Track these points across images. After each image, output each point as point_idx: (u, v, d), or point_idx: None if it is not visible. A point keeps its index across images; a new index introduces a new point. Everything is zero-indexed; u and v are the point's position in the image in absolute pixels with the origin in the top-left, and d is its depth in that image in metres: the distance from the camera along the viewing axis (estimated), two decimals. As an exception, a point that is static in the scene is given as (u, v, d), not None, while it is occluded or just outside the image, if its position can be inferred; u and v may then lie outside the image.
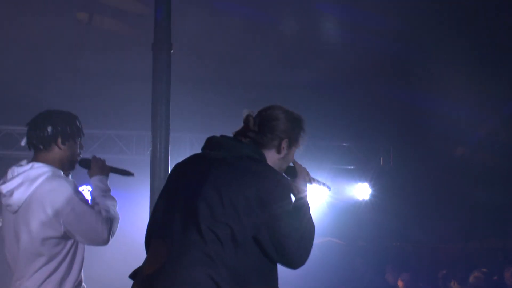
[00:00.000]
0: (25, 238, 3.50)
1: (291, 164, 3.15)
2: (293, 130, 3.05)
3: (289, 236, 2.77)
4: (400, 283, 9.39)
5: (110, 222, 3.60)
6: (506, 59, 9.31)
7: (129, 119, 9.86)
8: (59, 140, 3.72)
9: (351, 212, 11.75)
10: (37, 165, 3.61)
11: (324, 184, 3.36)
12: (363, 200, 11.87)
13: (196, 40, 8.71)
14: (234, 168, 2.85)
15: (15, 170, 3.59)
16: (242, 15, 8.53)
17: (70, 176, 3.84)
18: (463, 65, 9.16)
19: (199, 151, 3.24)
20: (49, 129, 3.79)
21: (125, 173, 3.80)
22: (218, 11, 8.46)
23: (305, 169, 3.16)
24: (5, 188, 3.52)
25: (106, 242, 3.70)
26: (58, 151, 3.73)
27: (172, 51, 5.71)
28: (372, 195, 11.80)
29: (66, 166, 3.77)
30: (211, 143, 3.06)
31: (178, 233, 2.78)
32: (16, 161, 3.82)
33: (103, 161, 3.92)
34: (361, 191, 11.82)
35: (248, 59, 8.85)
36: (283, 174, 3.08)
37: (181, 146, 10.47)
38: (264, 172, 2.85)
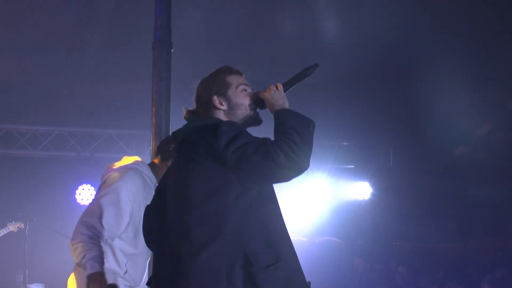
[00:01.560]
0: None
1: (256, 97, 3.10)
2: (214, 82, 3.09)
3: (253, 156, 2.71)
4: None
5: (76, 249, 3.79)
6: (506, 59, 9.31)
7: (129, 119, 9.87)
8: None
9: (351, 212, 11.76)
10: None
11: (302, 75, 3.20)
12: (363, 199, 11.88)
13: (196, 39, 8.71)
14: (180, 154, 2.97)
15: None
16: (242, 14, 8.54)
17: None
18: (463, 65, 9.17)
19: None
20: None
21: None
22: (218, 11, 8.46)
23: (270, 87, 3.08)
24: None
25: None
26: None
27: (172, 50, 5.72)
28: (372, 195, 11.82)
29: None
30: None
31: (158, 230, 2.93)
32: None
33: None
34: (361, 190, 11.83)
35: (248, 59, 8.86)
36: (256, 115, 3.07)
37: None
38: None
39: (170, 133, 5.78)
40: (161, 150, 4.09)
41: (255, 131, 3.01)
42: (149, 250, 4.00)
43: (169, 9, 5.73)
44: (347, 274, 10.18)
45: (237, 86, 3.08)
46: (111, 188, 3.81)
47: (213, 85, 3.08)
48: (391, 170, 11.77)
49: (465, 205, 11.86)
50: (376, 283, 9.95)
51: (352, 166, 11.62)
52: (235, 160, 2.71)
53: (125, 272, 3.86)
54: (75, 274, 3.96)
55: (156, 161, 4.13)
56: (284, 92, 3.11)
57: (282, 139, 2.74)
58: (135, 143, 10.51)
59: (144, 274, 4.07)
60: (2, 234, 8.72)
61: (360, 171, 11.74)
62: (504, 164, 10.99)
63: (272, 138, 2.83)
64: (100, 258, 3.63)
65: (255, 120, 3.08)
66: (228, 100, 3.04)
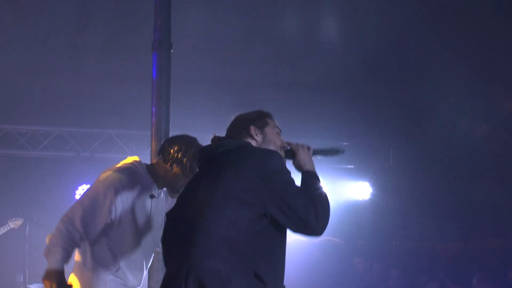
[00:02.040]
0: None
1: (288, 148, 3.25)
2: (255, 117, 3.23)
3: (296, 197, 2.89)
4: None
5: (51, 240, 3.74)
6: (506, 59, 9.31)
7: (129, 119, 9.87)
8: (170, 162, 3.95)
9: (351, 212, 11.75)
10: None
11: (332, 152, 3.43)
12: (363, 199, 11.88)
13: (196, 39, 8.71)
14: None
15: None
16: (242, 14, 8.53)
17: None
18: (463, 65, 9.17)
19: None
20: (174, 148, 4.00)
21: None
22: (218, 11, 8.46)
23: (303, 145, 3.25)
24: None
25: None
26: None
27: (172, 51, 5.72)
28: (372, 194, 11.81)
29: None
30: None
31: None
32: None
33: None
34: (361, 190, 11.82)
35: (249, 59, 8.86)
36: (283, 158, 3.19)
37: (181, 146, 10.46)
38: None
39: (170, 134, 5.79)
40: (161, 150, 4.08)
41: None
42: (147, 250, 4.01)
43: (169, 9, 5.73)
44: (347, 274, 10.17)
45: (273, 127, 3.25)
46: (93, 186, 3.85)
47: (253, 118, 3.23)
48: (391, 170, 11.76)
49: (465, 205, 11.85)
50: (376, 283, 9.94)
51: (352, 166, 11.62)
52: (278, 186, 2.88)
53: (117, 270, 3.86)
54: (75, 274, 3.96)
55: (155, 161, 4.12)
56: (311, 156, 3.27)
57: (314, 203, 2.95)
58: (135, 143, 10.51)
59: (143, 275, 4.06)
60: (3, 231, 8.70)
61: (360, 171, 11.74)
62: (504, 164, 10.98)
63: None
64: (64, 253, 3.64)
65: (285, 157, 3.24)
66: (263, 134, 3.20)
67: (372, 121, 10.72)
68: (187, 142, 4.01)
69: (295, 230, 2.93)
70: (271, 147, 3.15)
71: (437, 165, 11.74)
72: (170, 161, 3.95)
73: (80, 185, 10.74)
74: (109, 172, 3.88)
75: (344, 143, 11.46)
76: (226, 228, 2.80)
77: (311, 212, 2.89)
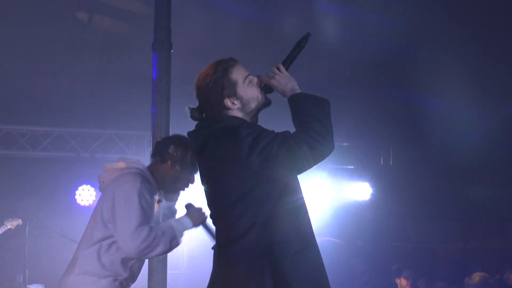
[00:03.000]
0: None
1: (262, 85, 3.16)
2: (221, 84, 3.10)
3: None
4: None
5: (152, 242, 3.64)
6: (506, 59, 9.31)
7: (129, 119, 9.86)
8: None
9: (351, 212, 11.75)
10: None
11: (299, 47, 3.37)
12: (363, 199, 11.87)
13: (196, 39, 8.71)
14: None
15: None
16: (242, 14, 8.53)
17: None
18: (463, 64, 9.17)
19: None
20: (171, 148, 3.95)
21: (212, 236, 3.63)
22: (218, 11, 8.46)
23: (272, 70, 3.20)
24: None
25: (131, 251, 3.65)
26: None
27: (172, 51, 5.72)
28: (372, 195, 11.81)
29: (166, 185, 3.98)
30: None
31: None
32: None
33: (202, 214, 4.00)
34: (361, 191, 11.82)
35: (248, 59, 8.85)
36: (266, 99, 3.15)
37: (181, 146, 10.46)
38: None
39: (170, 134, 5.79)
40: (158, 152, 4.04)
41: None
42: None
43: (169, 9, 5.73)
44: (347, 275, 10.17)
45: (242, 82, 3.12)
46: (126, 195, 3.72)
47: (221, 87, 3.10)
48: (391, 170, 11.76)
49: (465, 206, 11.85)
50: (376, 283, 9.94)
51: (352, 167, 11.62)
52: (260, 162, 2.84)
53: (126, 277, 3.81)
54: (77, 284, 3.87)
55: (151, 164, 4.05)
56: (286, 70, 3.18)
57: (303, 131, 2.86)
58: (135, 143, 10.51)
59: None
60: (1, 232, 8.68)
61: (360, 172, 11.73)
62: (504, 164, 10.98)
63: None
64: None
65: (266, 104, 3.17)
66: (239, 98, 3.10)
67: (372, 121, 10.72)
68: (182, 141, 3.98)
69: (306, 169, 2.91)
70: (253, 104, 3.10)
71: (437, 165, 11.73)
72: (170, 160, 3.92)
73: (80, 186, 10.73)
74: (128, 177, 3.79)
75: (344, 143, 11.46)
76: (246, 216, 2.90)
77: (300, 150, 2.82)
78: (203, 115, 3.16)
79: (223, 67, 3.15)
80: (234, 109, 3.08)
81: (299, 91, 3.06)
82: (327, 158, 3.20)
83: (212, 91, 3.10)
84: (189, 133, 3.21)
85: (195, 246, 10.74)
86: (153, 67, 5.70)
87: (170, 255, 5.99)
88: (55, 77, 9.34)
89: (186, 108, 3.20)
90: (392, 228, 11.86)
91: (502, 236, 11.47)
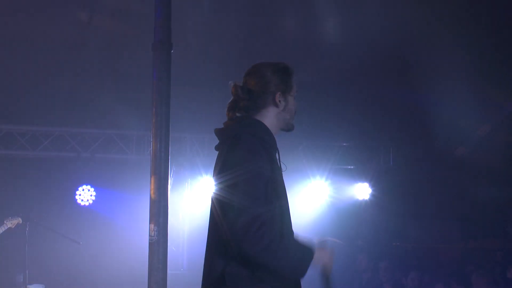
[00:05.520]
0: None
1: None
2: (283, 81, 3.11)
3: (230, 203, 2.79)
4: None
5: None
6: (507, 59, 9.31)
7: (130, 119, 9.86)
8: None
9: (351, 212, 11.75)
10: None
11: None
12: (363, 199, 11.88)
13: (197, 40, 8.71)
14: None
15: None
16: (242, 15, 8.53)
17: None
18: (463, 64, 9.17)
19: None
20: None
21: None
22: (218, 11, 8.46)
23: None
24: None
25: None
26: None
27: (172, 51, 5.73)
28: (372, 195, 11.81)
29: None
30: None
31: None
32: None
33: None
34: (361, 190, 11.82)
35: (248, 59, 8.85)
36: (291, 125, 3.17)
37: (181, 146, 10.48)
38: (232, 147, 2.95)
39: (170, 134, 5.79)
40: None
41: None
42: None
43: (169, 10, 5.74)
44: (347, 275, 10.17)
45: (294, 93, 3.17)
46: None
47: (282, 80, 3.11)
48: (391, 171, 11.76)
49: (465, 205, 11.85)
50: (377, 283, 9.94)
51: (352, 167, 11.62)
52: (225, 189, 2.84)
53: None
54: None
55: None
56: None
57: (278, 256, 2.76)
58: (135, 143, 10.50)
59: None
60: (1, 231, 8.67)
61: (360, 172, 11.73)
62: (504, 164, 10.98)
63: None
64: None
65: (289, 128, 3.19)
66: (286, 102, 3.11)
67: (372, 121, 10.72)
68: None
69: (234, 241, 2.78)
70: (288, 116, 3.12)
71: (437, 165, 11.73)
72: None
73: (80, 186, 10.74)
74: None
75: (344, 144, 11.46)
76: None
77: (261, 236, 2.72)
78: (239, 103, 3.11)
79: (290, 68, 3.18)
80: (276, 108, 3.09)
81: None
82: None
83: (273, 78, 3.10)
84: (215, 130, 3.19)
85: (195, 246, 10.75)
86: (153, 67, 5.71)
87: (170, 255, 6.00)
88: (55, 77, 9.35)
89: (230, 82, 3.15)
90: (392, 228, 11.86)
91: (502, 236, 11.47)
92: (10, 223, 8.67)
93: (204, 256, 3.00)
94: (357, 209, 11.89)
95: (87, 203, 10.67)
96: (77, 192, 10.70)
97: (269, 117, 3.08)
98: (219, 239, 2.86)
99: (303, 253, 2.88)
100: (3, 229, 8.64)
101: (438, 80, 9.66)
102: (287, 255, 2.77)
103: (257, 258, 2.72)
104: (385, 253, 10.97)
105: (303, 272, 2.88)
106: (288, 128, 3.17)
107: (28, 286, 8.60)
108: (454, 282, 8.84)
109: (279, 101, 3.08)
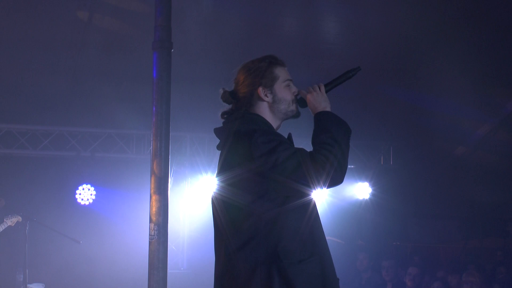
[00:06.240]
0: None
1: (298, 97, 3.19)
2: (260, 75, 3.13)
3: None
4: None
5: None
6: (507, 59, 9.31)
7: (130, 118, 9.87)
8: None
9: (351, 211, 11.76)
10: None
11: (347, 76, 3.33)
12: (363, 199, 11.88)
13: (196, 39, 8.71)
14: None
15: None
16: (242, 14, 8.53)
17: None
18: (463, 64, 9.17)
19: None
20: None
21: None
22: (218, 11, 8.46)
23: (313, 87, 3.19)
24: None
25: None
26: None
27: (172, 50, 5.73)
28: (372, 195, 11.81)
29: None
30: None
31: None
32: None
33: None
34: (361, 190, 11.83)
35: (249, 58, 8.85)
36: (296, 110, 3.18)
37: (181, 146, 10.48)
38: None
39: (170, 134, 5.79)
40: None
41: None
42: None
43: (169, 9, 5.74)
44: (347, 275, 10.17)
45: (283, 81, 3.16)
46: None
47: (260, 75, 3.14)
48: (391, 170, 11.76)
49: (465, 205, 11.86)
50: (377, 282, 9.95)
51: (352, 166, 11.62)
52: (273, 175, 2.88)
53: None
54: None
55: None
56: (326, 92, 3.21)
57: (324, 155, 2.92)
58: (135, 143, 10.50)
59: None
60: (1, 229, 8.67)
61: (360, 171, 11.74)
62: (504, 164, 10.99)
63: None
64: None
65: (294, 114, 3.20)
66: (273, 93, 3.13)
67: (372, 121, 10.72)
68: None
69: (313, 189, 2.95)
70: (283, 106, 3.13)
71: (437, 165, 11.74)
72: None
73: (80, 185, 10.74)
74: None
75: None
76: (251, 221, 2.94)
77: (319, 172, 2.89)
78: (233, 103, 3.20)
79: (271, 60, 3.18)
80: (265, 101, 3.12)
81: (329, 110, 3.14)
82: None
83: (251, 75, 3.14)
84: (215, 129, 3.23)
85: (195, 245, 10.76)
86: (153, 66, 5.71)
87: (170, 255, 6.00)
88: (55, 76, 9.35)
89: (220, 89, 3.23)
90: (392, 227, 11.87)
91: (502, 235, 11.48)
92: (10, 221, 8.67)
93: (203, 256, 3.04)
94: (357, 209, 11.89)
95: (87, 202, 10.68)
96: (77, 191, 10.71)
97: (264, 112, 3.12)
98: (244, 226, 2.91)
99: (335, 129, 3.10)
100: (3, 227, 8.64)
101: (438, 80, 9.66)
102: (336, 147, 2.99)
103: (333, 177, 2.97)
104: (385, 252, 10.97)
105: (346, 132, 3.18)
106: (290, 115, 3.18)
107: (28, 285, 8.61)
108: (454, 282, 8.85)
109: (265, 95, 3.11)
